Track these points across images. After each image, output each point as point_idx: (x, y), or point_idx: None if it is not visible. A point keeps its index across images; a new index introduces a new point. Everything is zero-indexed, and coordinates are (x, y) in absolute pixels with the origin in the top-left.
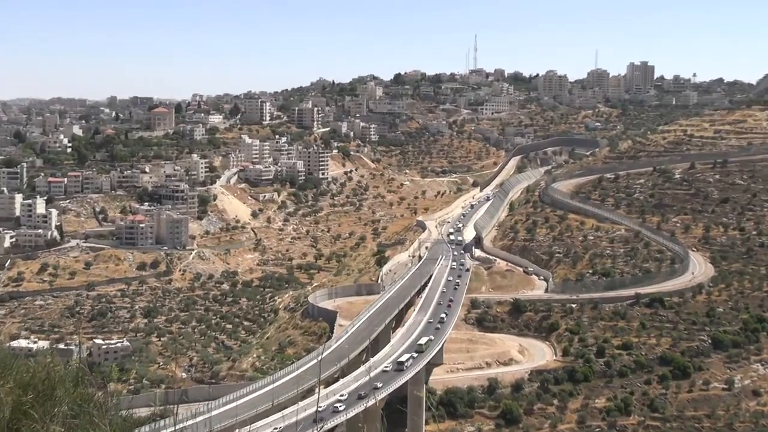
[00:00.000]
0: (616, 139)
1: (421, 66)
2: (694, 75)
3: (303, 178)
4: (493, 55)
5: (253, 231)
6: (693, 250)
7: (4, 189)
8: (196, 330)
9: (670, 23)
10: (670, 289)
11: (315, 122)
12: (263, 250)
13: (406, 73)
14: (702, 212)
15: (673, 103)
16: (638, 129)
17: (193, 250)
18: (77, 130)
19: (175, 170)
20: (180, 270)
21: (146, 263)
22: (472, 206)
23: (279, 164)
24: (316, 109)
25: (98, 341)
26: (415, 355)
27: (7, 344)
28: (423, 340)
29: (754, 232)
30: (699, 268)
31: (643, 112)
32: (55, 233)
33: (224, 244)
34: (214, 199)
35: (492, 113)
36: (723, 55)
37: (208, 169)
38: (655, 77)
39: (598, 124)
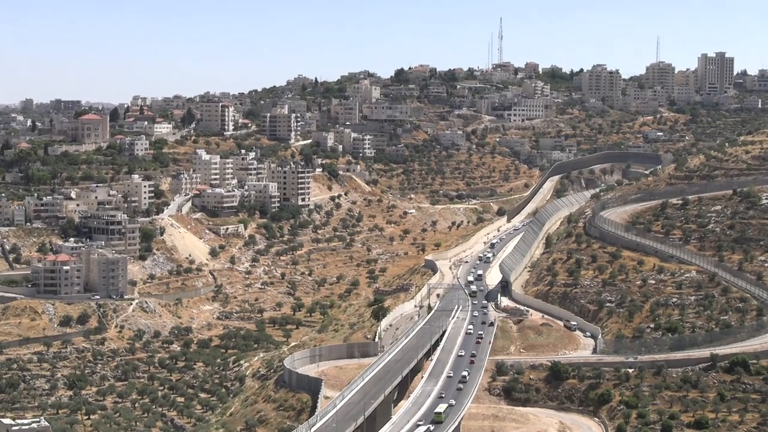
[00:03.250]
0: (684, 154)
1: (429, 59)
2: None
3: (277, 205)
4: (524, 45)
5: (212, 274)
6: None
7: None
8: (137, 405)
9: (755, 2)
10: (757, 348)
11: (292, 132)
12: (225, 300)
13: (410, 68)
14: None
15: (759, 105)
16: (713, 140)
17: (133, 299)
18: None
19: (110, 196)
20: (116, 326)
21: (72, 317)
22: (493, 245)
23: (246, 187)
24: (294, 115)
25: (6, 421)
26: (432, 427)
27: None
28: (441, 407)
29: None
30: None
31: (720, 117)
32: None
33: (174, 292)
34: (162, 234)
35: (522, 120)
36: None
37: (153, 195)
38: (735, 73)
39: (661, 134)
